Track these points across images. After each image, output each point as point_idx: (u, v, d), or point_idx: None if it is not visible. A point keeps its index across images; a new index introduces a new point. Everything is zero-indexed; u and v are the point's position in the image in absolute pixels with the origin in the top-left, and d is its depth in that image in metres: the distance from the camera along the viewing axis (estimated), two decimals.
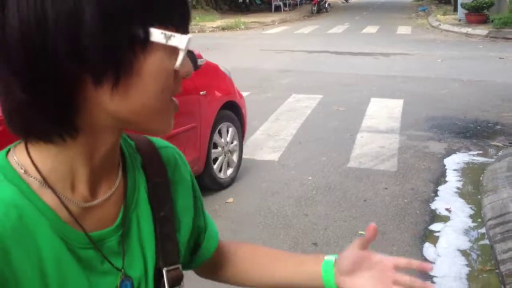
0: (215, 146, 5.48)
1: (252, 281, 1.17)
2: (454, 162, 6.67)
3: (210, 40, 18.04)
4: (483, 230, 4.95)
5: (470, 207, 5.46)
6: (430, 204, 5.53)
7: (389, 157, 6.79)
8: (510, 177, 5.70)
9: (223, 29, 23.00)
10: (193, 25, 21.41)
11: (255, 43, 18.16)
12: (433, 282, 4.11)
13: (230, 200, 5.52)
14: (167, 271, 0.94)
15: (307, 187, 5.94)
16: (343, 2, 43.26)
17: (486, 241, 4.76)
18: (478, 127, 7.95)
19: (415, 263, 1.02)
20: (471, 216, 5.27)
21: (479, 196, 5.63)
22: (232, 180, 5.87)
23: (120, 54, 0.72)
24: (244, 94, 6.93)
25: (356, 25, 24.63)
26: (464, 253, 4.61)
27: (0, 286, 0.73)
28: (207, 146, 5.23)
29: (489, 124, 8.02)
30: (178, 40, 0.75)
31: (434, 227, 5.03)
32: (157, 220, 0.94)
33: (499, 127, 7.88)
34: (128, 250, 0.89)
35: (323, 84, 11.03)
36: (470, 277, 4.23)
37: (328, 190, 5.84)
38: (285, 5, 32.40)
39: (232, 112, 5.72)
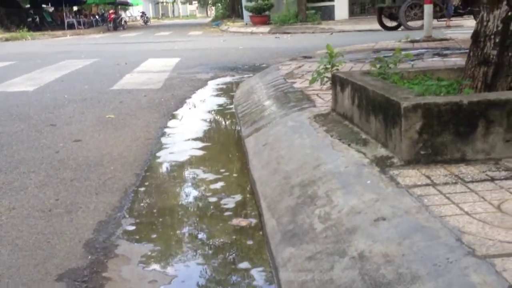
0: None
1: None
2: (215, 82, 6.80)
3: None
4: (230, 107, 5.04)
5: (223, 99, 5.55)
6: (186, 100, 5.52)
7: (156, 83, 6.71)
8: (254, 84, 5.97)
9: (7, 39, 21.43)
10: None
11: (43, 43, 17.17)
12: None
13: None
14: None
15: (60, 100, 5.56)
16: (142, 25, 43.44)
17: (232, 110, 4.85)
18: (246, 66, 8.30)
19: None
20: (218, 103, 5.36)
21: (231, 93, 5.77)
22: None
23: None
24: None
25: (154, 32, 24.78)
26: (201, 118, 4.64)
27: None
28: None
29: (256, 65, 8.41)
30: None
31: (179, 110, 5.02)
32: None
33: (264, 65, 8.29)
34: None
35: (119, 52, 10.71)
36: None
37: (82, 101, 5.53)
38: (79, 23, 31.43)
39: None
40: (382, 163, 2.17)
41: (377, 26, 15.17)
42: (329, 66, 3.32)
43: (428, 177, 1.97)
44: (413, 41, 8.17)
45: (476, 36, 2.73)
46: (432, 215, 1.64)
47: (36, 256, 2.04)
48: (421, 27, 13.30)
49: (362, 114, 2.65)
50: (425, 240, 1.50)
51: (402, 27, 14.53)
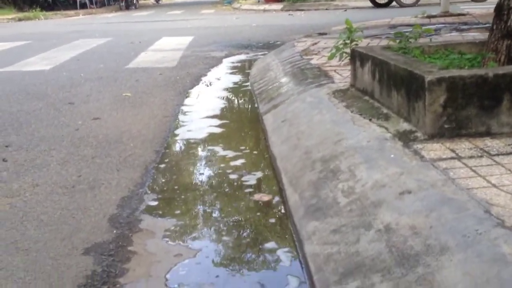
0: None
1: None
2: (230, 60, 6.77)
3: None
4: (246, 84, 5.03)
5: (239, 77, 5.53)
6: (201, 78, 5.51)
7: (170, 61, 6.69)
8: (270, 60, 5.93)
9: (20, 19, 21.45)
10: None
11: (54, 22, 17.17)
12: None
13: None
14: None
15: (76, 79, 5.57)
16: (153, 3, 43.24)
17: (248, 87, 4.84)
18: (260, 44, 8.25)
19: None
20: (233, 81, 5.34)
21: (246, 71, 5.74)
22: None
23: None
24: None
25: (167, 10, 24.66)
26: (217, 96, 4.64)
27: None
28: None
29: (270, 42, 8.35)
30: None
31: (195, 88, 5.01)
32: None
33: (278, 42, 8.23)
34: None
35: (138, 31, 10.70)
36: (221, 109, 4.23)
37: (98, 79, 5.53)
38: (91, 2, 31.33)
39: None
40: (405, 137, 2.16)
41: (392, 2, 14.96)
42: (348, 41, 3.29)
43: (453, 150, 1.96)
44: (429, 17, 8.06)
45: (499, 9, 2.68)
46: (459, 187, 1.63)
47: (62, 231, 2.07)
48: (414, 4, 13.41)
49: (383, 89, 2.63)
50: (453, 212, 1.50)
51: (393, 3, 14.46)
